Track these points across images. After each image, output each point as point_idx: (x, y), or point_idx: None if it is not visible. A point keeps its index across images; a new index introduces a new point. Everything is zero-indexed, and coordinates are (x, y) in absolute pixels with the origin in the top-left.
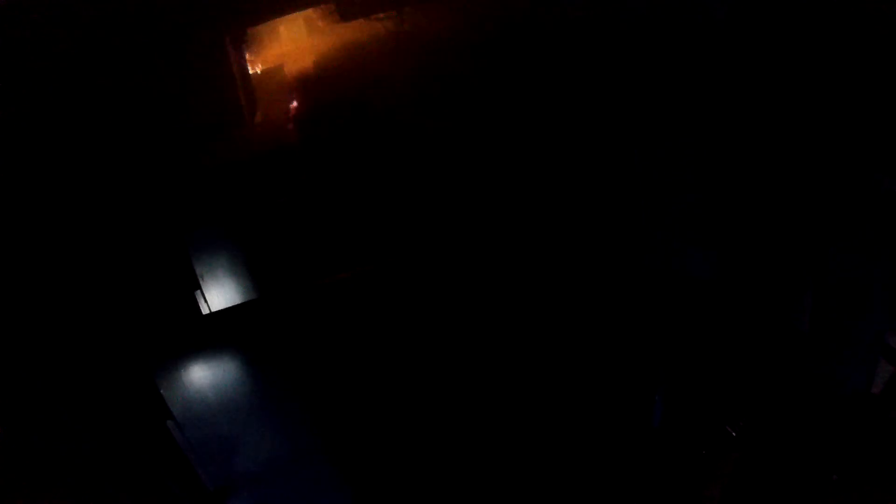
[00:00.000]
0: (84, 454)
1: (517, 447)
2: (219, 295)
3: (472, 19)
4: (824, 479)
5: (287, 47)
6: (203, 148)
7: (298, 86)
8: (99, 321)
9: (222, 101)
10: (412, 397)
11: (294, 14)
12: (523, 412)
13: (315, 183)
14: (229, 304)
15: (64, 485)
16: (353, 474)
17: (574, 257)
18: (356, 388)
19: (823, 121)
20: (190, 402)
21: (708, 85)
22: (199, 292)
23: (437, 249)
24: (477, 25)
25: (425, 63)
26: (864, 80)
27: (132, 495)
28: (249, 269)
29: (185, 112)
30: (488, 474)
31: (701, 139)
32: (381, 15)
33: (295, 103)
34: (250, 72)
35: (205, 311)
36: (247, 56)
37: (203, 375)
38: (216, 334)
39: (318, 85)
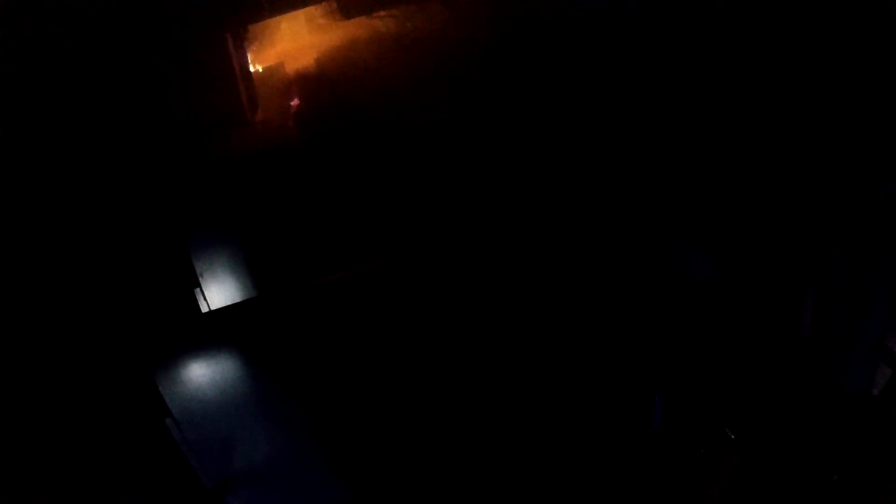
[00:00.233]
0: (82, 451)
1: (517, 446)
2: (218, 293)
3: (475, 18)
4: (824, 479)
5: (288, 45)
6: (204, 145)
7: (300, 84)
8: (98, 318)
9: (223, 99)
10: (411, 396)
11: (295, 11)
12: (524, 411)
13: (316, 181)
14: (229, 302)
15: (61, 482)
16: (351, 473)
17: (575, 257)
18: (355, 387)
19: (825, 122)
20: (189, 400)
21: (710, 85)
22: (198, 290)
23: (439, 248)
24: (479, 25)
25: (427, 62)
26: (865, 81)
27: (130, 493)
28: (249, 267)
29: (186, 110)
30: (488, 473)
31: (703, 139)
32: (383, 13)
33: (296, 101)
34: (251, 69)
35: (204, 308)
36: (248, 53)
37: (202, 373)
38: (215, 332)
39: (319, 83)
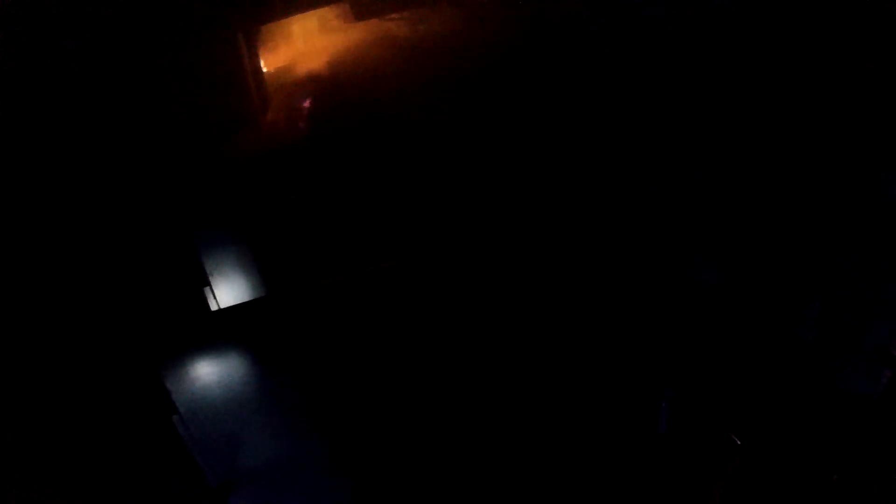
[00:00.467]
0: (87, 446)
1: (523, 448)
2: (228, 291)
3: (485, 22)
4: (824, 479)
5: (300, 46)
6: (215, 145)
7: (311, 85)
8: (108, 315)
9: (235, 100)
10: (417, 397)
11: (308, 13)
12: (531, 415)
13: (326, 182)
14: (238, 301)
15: (67, 476)
16: (356, 474)
17: (584, 263)
18: (362, 388)
19: (830, 129)
20: (196, 397)
21: (719, 94)
22: (208, 289)
23: (447, 251)
24: (489, 28)
25: (438, 65)
26: (870, 87)
27: (135, 488)
28: (259, 267)
29: (198, 109)
30: (494, 475)
31: (711, 147)
32: (395, 16)
33: (307, 102)
34: (263, 70)
35: (213, 307)
36: (260, 54)
37: (210, 372)
38: (224, 331)
39: (330, 85)
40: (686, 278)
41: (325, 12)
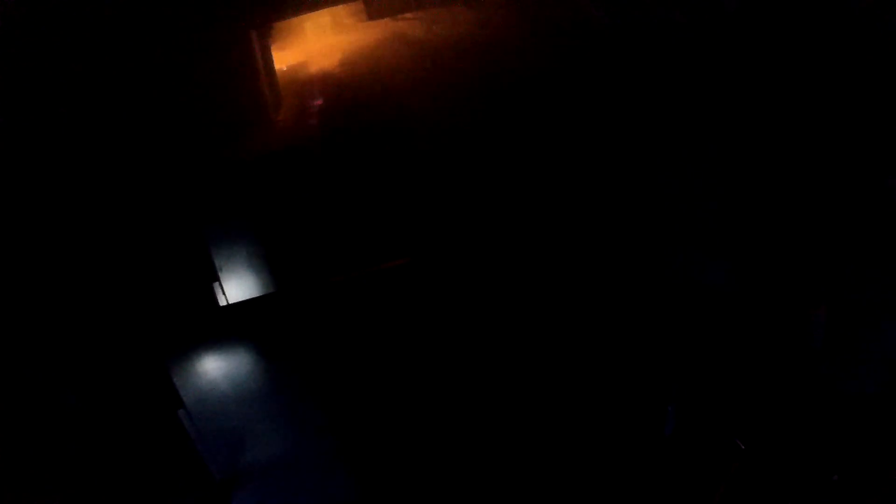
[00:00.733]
0: (94, 438)
1: (529, 449)
2: (236, 287)
3: (498, 23)
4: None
5: (313, 44)
6: (227, 142)
7: (323, 84)
8: (118, 309)
9: (247, 97)
10: (424, 396)
11: (321, 11)
12: (538, 417)
13: (337, 180)
14: (246, 297)
15: (72, 467)
16: (359, 470)
17: (592, 266)
18: (368, 386)
19: (839, 137)
20: (202, 392)
21: (729, 98)
22: (217, 284)
23: (456, 251)
24: (503, 29)
25: (451, 65)
26: (880, 95)
27: (139, 482)
28: (268, 263)
29: (210, 106)
30: (498, 475)
31: (720, 151)
32: (409, 15)
33: (319, 101)
34: (275, 68)
35: (222, 302)
36: (272, 52)
37: (216, 367)
38: (232, 326)
39: (342, 83)
40: (694, 283)
41: (338, 11)
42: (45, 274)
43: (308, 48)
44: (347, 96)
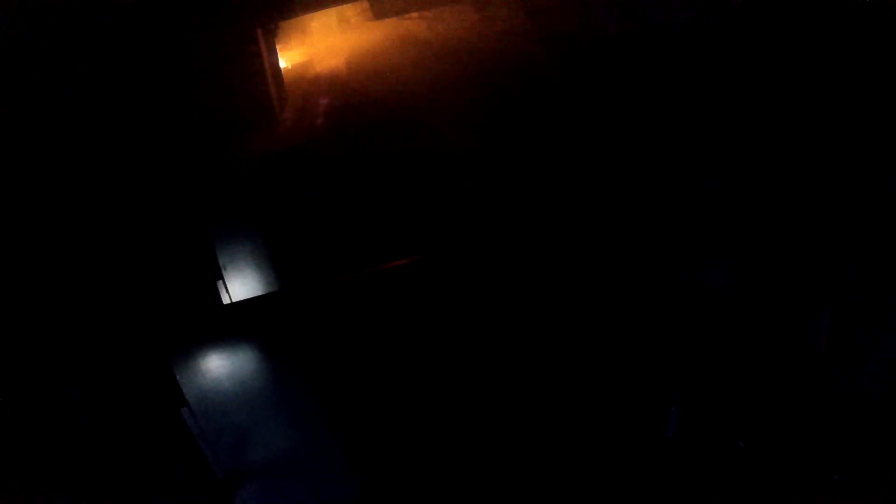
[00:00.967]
0: (96, 435)
1: (531, 449)
2: (240, 286)
3: (504, 22)
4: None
5: (319, 43)
6: (233, 140)
7: (329, 83)
8: (122, 306)
9: (253, 95)
10: (427, 396)
11: (327, 10)
12: (539, 418)
13: (342, 179)
14: (250, 296)
15: (74, 465)
16: (362, 469)
17: (596, 266)
18: (372, 386)
19: (845, 138)
20: (206, 390)
21: (733, 99)
22: (221, 282)
23: (460, 251)
24: (509, 29)
25: (457, 64)
26: (888, 96)
27: (142, 479)
28: (272, 262)
29: (216, 104)
30: (500, 477)
31: (724, 153)
32: (415, 15)
33: (325, 100)
34: (281, 66)
35: (226, 300)
36: (279, 50)
37: (220, 365)
38: (236, 325)
39: (348, 82)
40: (696, 283)
41: (345, 10)
42: (50, 270)
43: (314, 47)
44: (353, 95)
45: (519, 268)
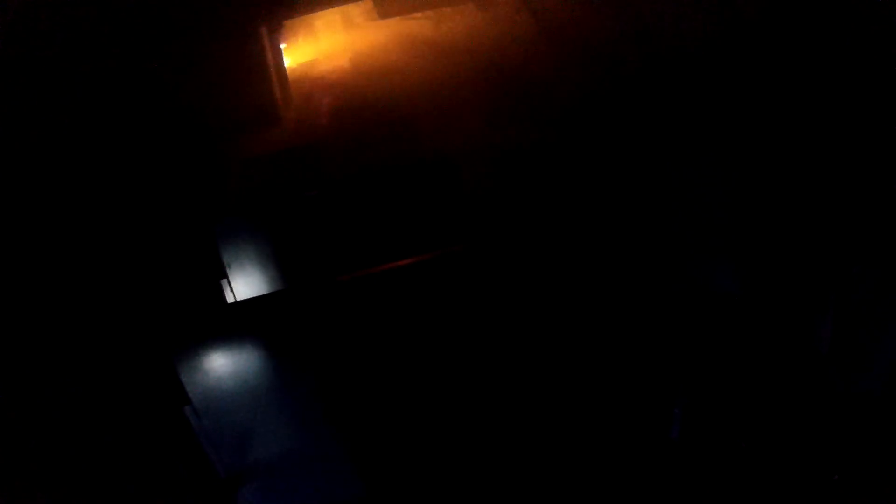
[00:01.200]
0: (99, 434)
1: (534, 451)
2: (244, 284)
3: (509, 22)
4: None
5: (324, 42)
6: (237, 139)
7: (333, 82)
8: (125, 304)
9: (257, 94)
10: (430, 396)
11: (331, 9)
12: (543, 419)
13: (345, 179)
14: (254, 295)
15: (76, 462)
16: (365, 469)
17: (600, 268)
18: (375, 385)
19: (848, 139)
20: (209, 389)
21: (739, 102)
22: (225, 281)
23: (463, 253)
24: (513, 29)
25: (461, 64)
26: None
27: (144, 477)
28: (276, 261)
29: (220, 103)
30: (504, 476)
31: (732, 156)
32: (419, 14)
33: (329, 99)
34: (286, 65)
35: (230, 299)
36: (283, 49)
37: (224, 364)
38: (240, 323)
39: (352, 82)
40: (701, 285)
41: (349, 9)
42: (54, 268)
43: (318, 46)
44: (357, 95)
45: (524, 268)
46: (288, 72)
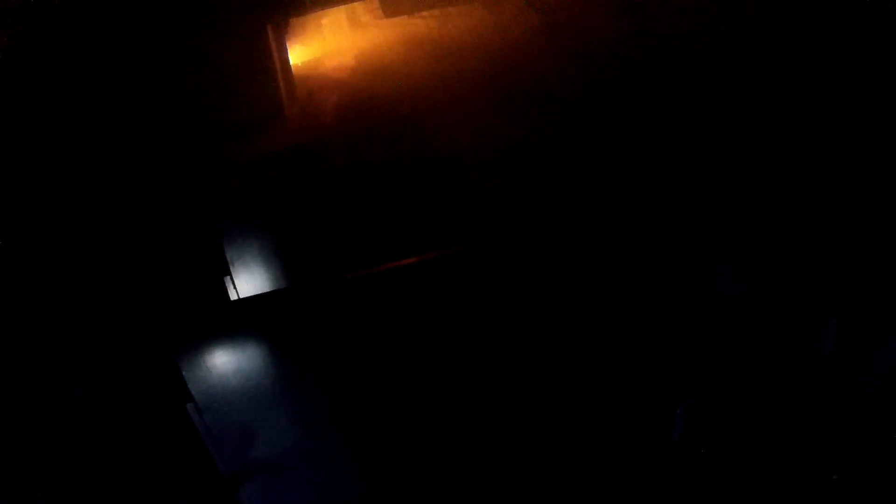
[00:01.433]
0: (101, 430)
1: (535, 451)
2: (248, 282)
3: (516, 22)
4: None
5: (329, 41)
6: (241, 137)
7: (338, 81)
8: (128, 301)
9: (262, 92)
10: (433, 395)
11: (337, 7)
12: (544, 420)
13: (349, 178)
14: (258, 292)
15: (77, 459)
16: (367, 467)
17: (603, 269)
18: (378, 384)
19: (854, 142)
20: (211, 386)
21: (743, 104)
22: (228, 278)
23: (467, 252)
24: (520, 28)
25: (467, 64)
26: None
27: (145, 474)
28: (280, 259)
29: (225, 100)
30: (505, 476)
31: (735, 157)
32: (425, 13)
33: (334, 98)
34: (291, 63)
35: (233, 296)
36: (288, 47)
37: (227, 361)
38: (243, 321)
39: (358, 81)
40: (704, 287)
41: (355, 8)
42: (56, 265)
43: (324, 45)
44: (362, 93)
45: (527, 268)
46: (293, 69)
